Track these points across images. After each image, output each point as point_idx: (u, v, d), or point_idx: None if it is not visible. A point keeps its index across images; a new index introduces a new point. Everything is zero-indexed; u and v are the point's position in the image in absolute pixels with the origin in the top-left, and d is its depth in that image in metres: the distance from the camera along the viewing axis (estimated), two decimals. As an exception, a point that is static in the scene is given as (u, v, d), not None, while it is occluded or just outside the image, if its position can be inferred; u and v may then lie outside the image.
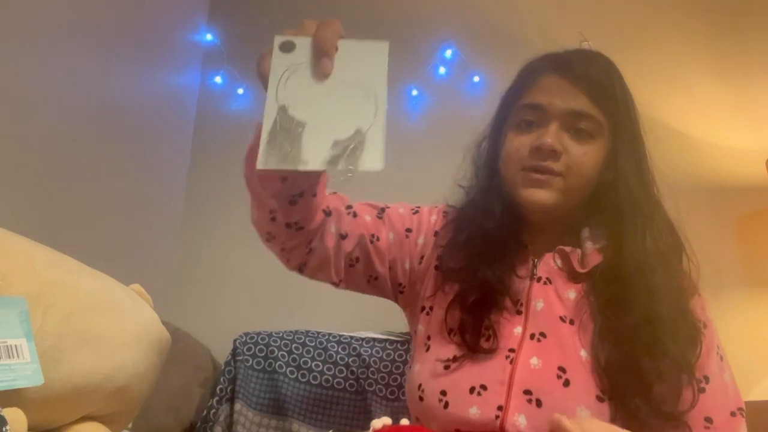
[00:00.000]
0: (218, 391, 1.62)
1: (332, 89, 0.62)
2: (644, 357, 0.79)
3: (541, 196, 0.87)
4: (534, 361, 0.83)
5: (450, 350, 0.88)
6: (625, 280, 0.83)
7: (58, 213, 1.60)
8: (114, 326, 0.76)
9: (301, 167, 0.59)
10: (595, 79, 0.88)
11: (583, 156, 0.86)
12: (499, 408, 0.81)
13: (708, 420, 0.80)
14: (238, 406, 1.58)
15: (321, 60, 0.64)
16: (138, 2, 2.00)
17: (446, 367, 0.87)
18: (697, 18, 2.00)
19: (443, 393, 0.85)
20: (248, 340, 1.67)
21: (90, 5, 1.75)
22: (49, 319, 0.67)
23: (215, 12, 2.40)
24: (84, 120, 1.74)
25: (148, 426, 1.45)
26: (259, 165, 0.59)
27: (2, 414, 0.58)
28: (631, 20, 2.03)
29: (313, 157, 0.59)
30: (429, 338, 0.93)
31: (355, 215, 0.96)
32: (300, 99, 0.61)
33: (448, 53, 2.09)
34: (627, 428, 0.74)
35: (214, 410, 1.60)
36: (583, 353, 0.83)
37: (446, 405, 0.84)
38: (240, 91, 2.29)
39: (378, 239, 0.97)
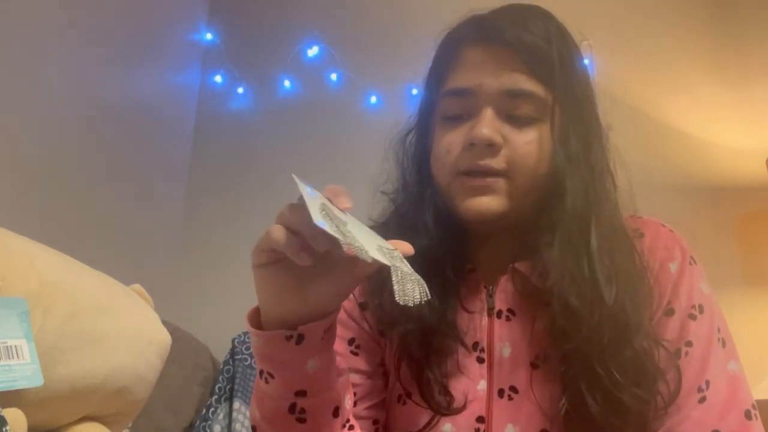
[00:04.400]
0: (217, 390, 1.63)
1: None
2: (593, 402, 0.63)
3: (484, 204, 0.69)
4: (510, 430, 0.68)
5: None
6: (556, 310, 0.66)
7: (58, 213, 1.60)
8: (114, 327, 0.76)
9: (366, 256, 0.49)
10: (531, 45, 0.69)
11: (528, 146, 0.68)
12: None
13: None
14: (236, 404, 1.59)
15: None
16: (137, 1, 2.00)
17: None
18: (697, 18, 2.00)
19: None
20: (246, 339, 1.67)
21: (89, 4, 1.75)
22: (50, 320, 0.67)
23: (215, 11, 2.41)
24: (84, 119, 1.74)
25: (148, 424, 1.45)
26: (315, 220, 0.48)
27: (2, 414, 0.58)
28: (630, 20, 2.03)
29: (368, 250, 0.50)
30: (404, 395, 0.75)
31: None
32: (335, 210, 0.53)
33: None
34: None
35: (213, 409, 1.61)
36: (563, 400, 0.66)
37: None
38: (240, 90, 2.29)
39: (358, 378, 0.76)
